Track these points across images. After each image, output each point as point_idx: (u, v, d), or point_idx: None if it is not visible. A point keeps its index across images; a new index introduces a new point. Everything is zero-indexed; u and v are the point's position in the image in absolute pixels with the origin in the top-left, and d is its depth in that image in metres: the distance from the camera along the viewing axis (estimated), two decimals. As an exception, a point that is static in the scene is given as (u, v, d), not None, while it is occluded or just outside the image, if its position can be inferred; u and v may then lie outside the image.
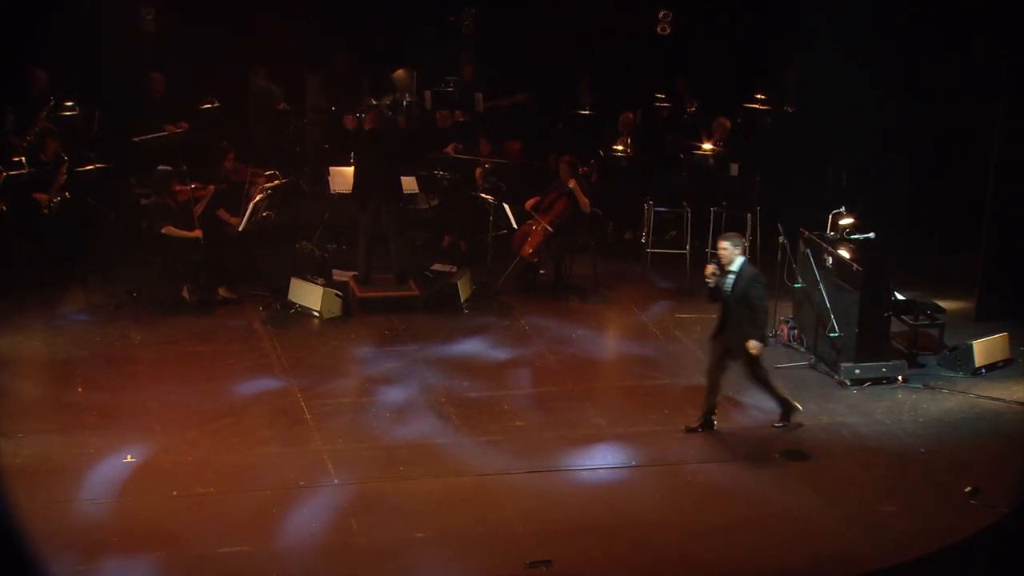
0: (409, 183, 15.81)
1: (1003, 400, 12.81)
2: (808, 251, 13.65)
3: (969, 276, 15.18)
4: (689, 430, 11.84)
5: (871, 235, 13.66)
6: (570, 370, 13.29)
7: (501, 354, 13.61)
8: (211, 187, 14.81)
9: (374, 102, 17.14)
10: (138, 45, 17.42)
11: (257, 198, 14.64)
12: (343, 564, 9.68)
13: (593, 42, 18.63)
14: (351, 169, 15.12)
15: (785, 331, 13.99)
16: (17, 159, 14.73)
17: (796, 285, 13.83)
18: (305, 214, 16.83)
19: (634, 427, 11.96)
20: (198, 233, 14.20)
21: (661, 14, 18.86)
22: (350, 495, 10.55)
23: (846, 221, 13.77)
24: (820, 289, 13.27)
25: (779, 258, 14.02)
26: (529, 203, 15.50)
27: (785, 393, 11.92)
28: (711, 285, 11.72)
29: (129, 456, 10.96)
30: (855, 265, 13.03)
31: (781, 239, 13.87)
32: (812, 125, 17.31)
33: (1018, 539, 8.59)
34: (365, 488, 10.70)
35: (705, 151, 17.08)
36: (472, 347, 13.75)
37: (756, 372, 11.76)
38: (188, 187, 14.50)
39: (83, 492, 10.38)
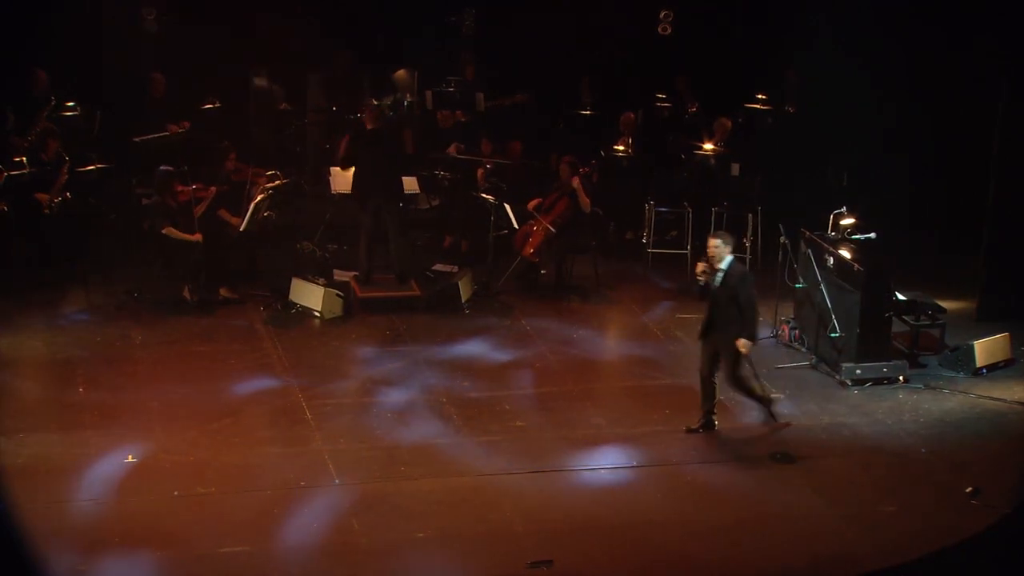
0: (410, 183, 15.82)
1: (1004, 400, 12.81)
2: (809, 251, 13.65)
3: (969, 276, 15.18)
4: (690, 430, 11.85)
5: (872, 235, 13.66)
6: (571, 370, 13.29)
7: (502, 354, 13.61)
8: (212, 188, 14.80)
9: (375, 102, 17.12)
10: (138, 45, 17.42)
11: (258, 198, 14.63)
12: (344, 564, 9.68)
13: (594, 42, 18.62)
14: (351, 170, 15.11)
15: (786, 331, 14.00)
16: (18, 159, 14.73)
17: (797, 285, 13.83)
18: (306, 214, 16.83)
19: (635, 427, 11.96)
20: (198, 237, 14.19)
21: (662, 14, 18.86)
22: (351, 495, 10.55)
23: (847, 221, 13.79)
24: (821, 289, 13.27)
25: (780, 258, 14.02)
26: (531, 204, 15.51)
27: (762, 392, 11.91)
28: (701, 283, 11.73)
29: (130, 456, 10.96)
30: (856, 265, 13.03)
31: (782, 239, 13.88)
32: (813, 125, 17.31)
33: (1019, 539, 8.59)
34: (366, 488, 10.70)
35: (706, 151, 17.07)
36: (473, 347, 13.75)
37: (736, 373, 11.73)
38: (189, 187, 14.49)
39: (84, 492, 10.38)
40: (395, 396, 12.48)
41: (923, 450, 11.76)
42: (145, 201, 15.05)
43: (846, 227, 13.73)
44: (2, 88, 15.60)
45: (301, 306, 14.35)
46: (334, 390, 12.58)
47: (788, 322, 14.08)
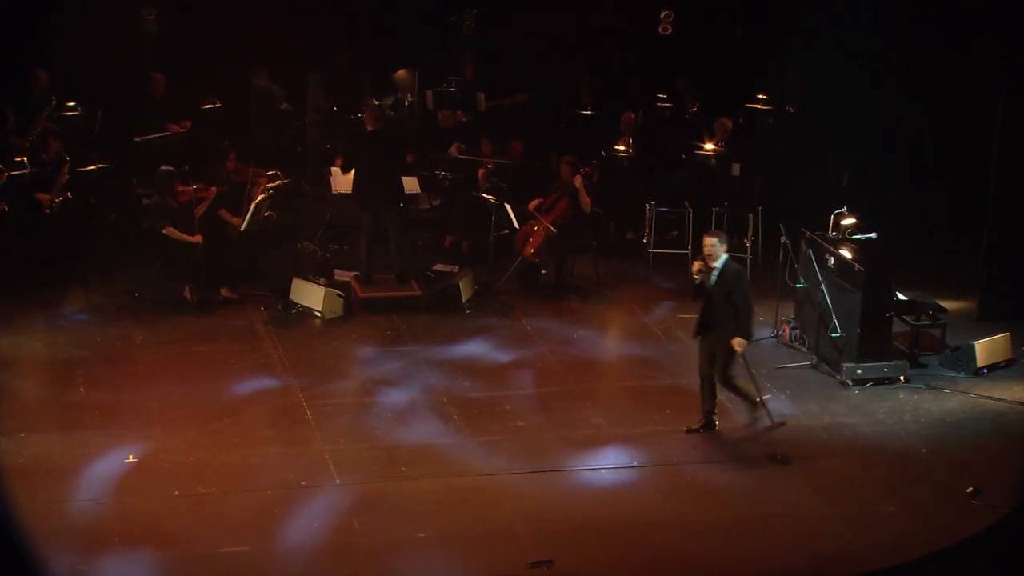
0: (411, 183, 15.81)
1: (1005, 400, 12.81)
2: (810, 251, 13.65)
3: (970, 276, 15.17)
4: (690, 430, 11.85)
5: (873, 235, 13.66)
6: (571, 370, 13.29)
7: (503, 354, 13.61)
8: (213, 188, 14.79)
9: (376, 102, 17.11)
10: (138, 45, 17.41)
11: (259, 198, 14.63)
12: (345, 564, 9.68)
13: (594, 42, 18.61)
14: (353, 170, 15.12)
15: (787, 331, 14.00)
16: (19, 159, 14.72)
17: (798, 285, 13.83)
18: (307, 214, 16.83)
19: (635, 427, 11.96)
20: (198, 238, 14.19)
21: (663, 14, 18.86)
22: (351, 495, 10.55)
23: (848, 221, 13.78)
24: (822, 289, 13.27)
25: (781, 258, 14.02)
26: (532, 204, 15.50)
27: (752, 393, 11.87)
28: (697, 281, 11.73)
29: (130, 456, 10.97)
30: (857, 265, 13.03)
31: (783, 239, 13.88)
32: (813, 125, 17.30)
33: (1019, 539, 8.58)
34: (367, 488, 10.70)
35: (707, 151, 17.07)
36: (474, 347, 13.75)
37: (727, 371, 11.72)
38: (190, 187, 14.49)
39: (84, 492, 10.38)
40: (396, 396, 12.48)
41: (924, 450, 11.76)
42: (146, 201, 15.06)
43: (847, 227, 13.73)
44: (3, 88, 15.60)
45: (302, 306, 14.35)
46: (334, 390, 12.58)
47: (789, 322, 14.08)
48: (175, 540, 9.79)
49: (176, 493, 10.45)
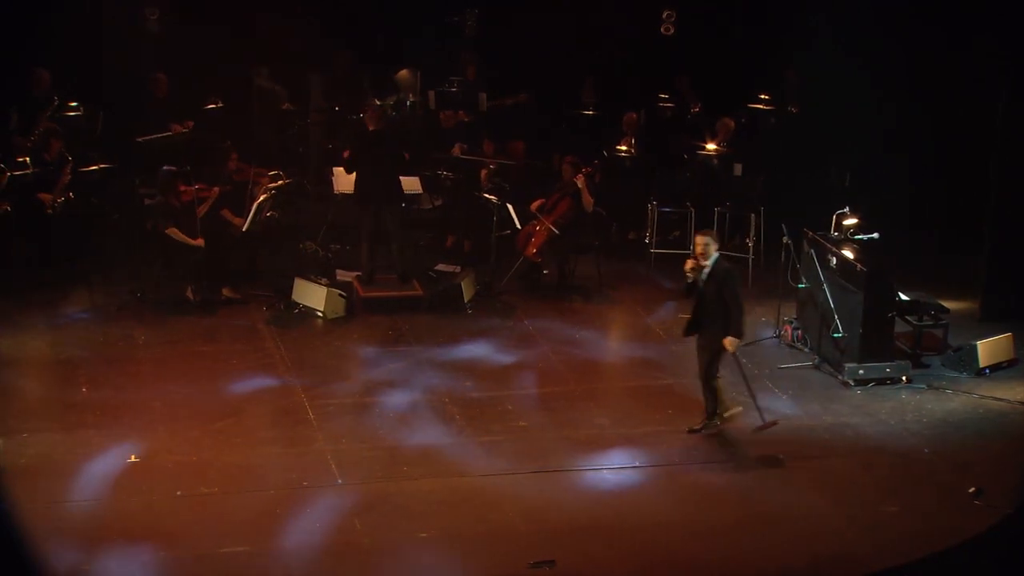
0: (412, 183, 15.81)
1: (1007, 400, 12.81)
2: (812, 251, 13.65)
3: (972, 276, 15.17)
4: (692, 431, 11.85)
5: (875, 235, 13.66)
6: (573, 370, 13.29)
7: (504, 354, 13.61)
8: (215, 189, 14.80)
9: (378, 102, 17.11)
10: (138, 45, 17.40)
11: (261, 198, 14.63)
12: (346, 564, 9.69)
13: (595, 42, 18.60)
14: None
15: (789, 331, 14.00)
16: (21, 159, 14.73)
17: (800, 285, 13.83)
18: (309, 214, 16.83)
19: (637, 428, 11.96)
20: (200, 242, 14.18)
21: (665, 14, 18.85)
22: (353, 495, 10.56)
23: (850, 221, 13.78)
24: (824, 289, 13.27)
25: (783, 258, 14.02)
26: (534, 205, 15.50)
27: (724, 405, 11.79)
28: (690, 280, 11.74)
29: (133, 456, 10.97)
30: (859, 265, 13.03)
31: (785, 239, 13.88)
32: (815, 125, 17.29)
33: (1021, 540, 8.58)
34: (368, 488, 10.70)
35: (709, 151, 17.06)
36: (475, 347, 13.75)
37: (711, 370, 11.72)
38: (192, 188, 14.50)
39: (86, 492, 10.39)
40: (397, 396, 12.48)
41: (926, 450, 11.76)
42: (148, 201, 15.06)
43: (849, 227, 13.73)
44: (5, 88, 15.61)
45: (304, 306, 14.35)
46: (336, 390, 12.58)
47: (791, 322, 14.08)
48: (177, 540, 9.79)
49: (178, 493, 10.46)
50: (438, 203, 17.14)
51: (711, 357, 11.71)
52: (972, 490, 10.77)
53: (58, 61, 16.10)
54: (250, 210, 14.54)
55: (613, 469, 11.21)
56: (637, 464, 11.32)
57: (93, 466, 10.76)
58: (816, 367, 13.42)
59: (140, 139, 16.34)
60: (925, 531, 10.22)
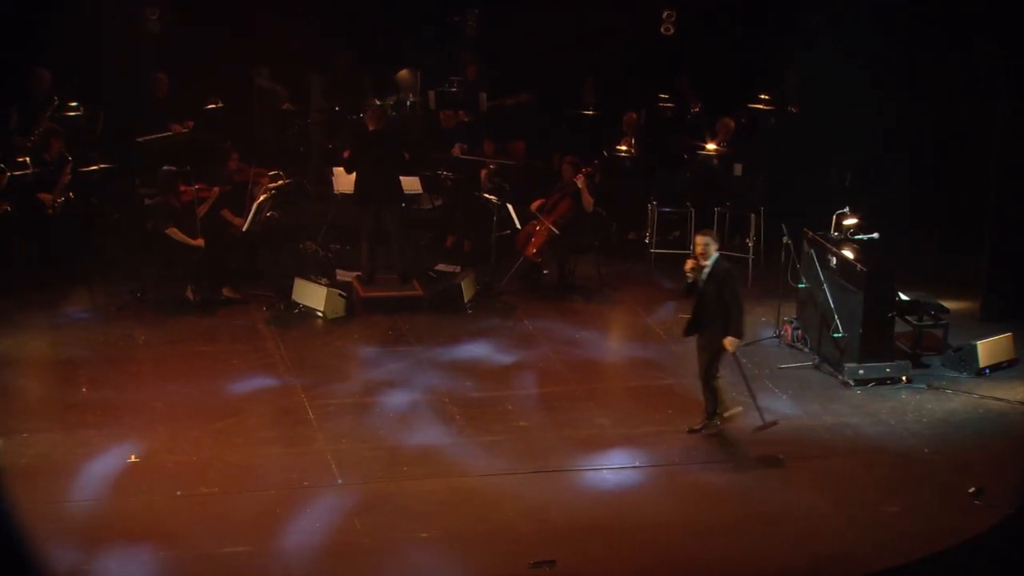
0: (412, 183, 15.81)
1: (1007, 400, 12.81)
2: (812, 251, 13.65)
3: (970, 276, 15.17)
4: (692, 431, 11.84)
5: (875, 235, 13.65)
6: (573, 370, 13.29)
7: (505, 354, 13.61)
8: (216, 189, 14.81)
9: (378, 102, 17.11)
10: (138, 45, 17.40)
11: (261, 198, 14.63)
12: (347, 564, 9.68)
13: (595, 42, 18.60)
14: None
15: (789, 331, 14.00)
16: (22, 159, 14.74)
17: (800, 285, 13.83)
18: (309, 214, 16.83)
19: (638, 428, 11.96)
20: (200, 242, 14.18)
21: (665, 14, 18.85)
22: (354, 495, 10.55)
23: (850, 221, 13.78)
24: (824, 289, 13.27)
25: (783, 258, 14.02)
26: (534, 205, 15.49)
27: (724, 405, 11.78)
28: (690, 280, 11.73)
29: (133, 456, 10.97)
30: (859, 265, 13.03)
31: (785, 239, 13.88)
32: (816, 125, 17.28)
33: (1022, 539, 8.58)
34: (369, 488, 10.70)
35: (709, 151, 17.06)
36: (476, 347, 13.75)
37: (710, 370, 11.71)
38: (192, 188, 14.50)
39: (86, 492, 10.39)
40: (398, 396, 12.47)
41: (926, 450, 11.76)
42: (148, 201, 15.05)
43: (849, 227, 13.73)
44: (5, 88, 15.61)
45: (304, 306, 14.35)
46: (336, 390, 12.58)
47: (791, 322, 14.08)
48: (177, 540, 9.79)
49: (178, 493, 10.46)
50: (438, 203, 17.14)
51: (711, 357, 11.72)
52: (972, 490, 10.77)
53: (58, 61, 16.10)
54: (250, 210, 14.54)
55: (613, 469, 11.21)
56: (637, 464, 11.32)
57: (93, 466, 10.76)
58: (816, 367, 13.42)
59: (140, 139, 16.35)
60: (925, 531, 10.21)
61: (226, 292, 14.54)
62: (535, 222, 15.37)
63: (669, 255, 16.34)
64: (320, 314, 14.25)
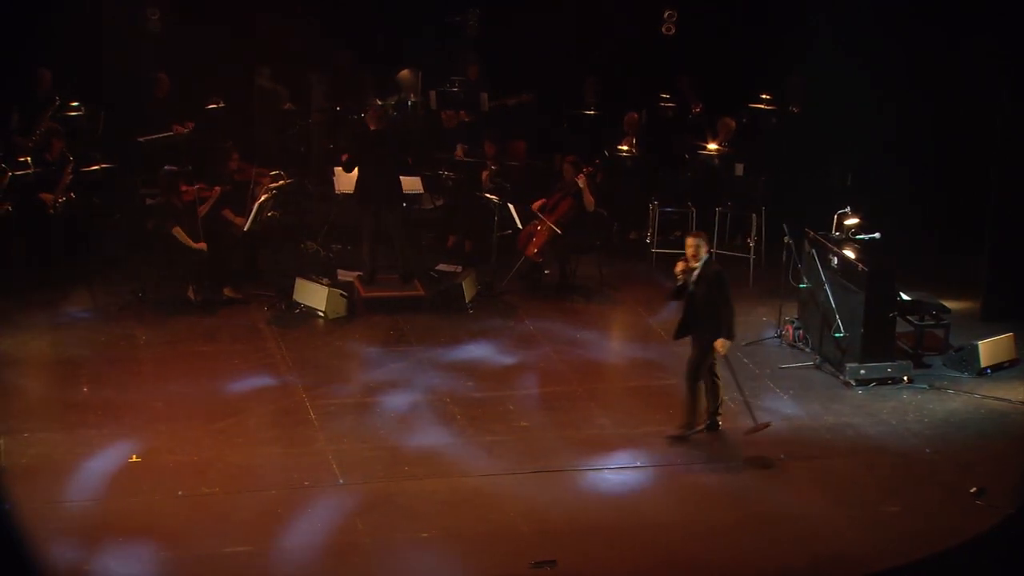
0: (413, 183, 15.81)
1: (1009, 400, 12.80)
2: (813, 251, 13.64)
3: (971, 276, 15.16)
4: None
5: (876, 235, 13.64)
6: (575, 370, 13.28)
7: (506, 354, 13.60)
8: (217, 188, 14.81)
9: (379, 102, 17.11)
10: (138, 45, 17.40)
11: (262, 198, 14.63)
12: (348, 564, 9.68)
13: (596, 42, 18.58)
14: (356, 170, 15.10)
15: (790, 331, 13.99)
16: (23, 159, 14.73)
17: (801, 285, 13.82)
18: (310, 214, 16.82)
19: (639, 428, 11.95)
20: (202, 246, 14.18)
21: (666, 14, 18.84)
22: (355, 495, 10.55)
23: (851, 221, 13.76)
24: (825, 289, 13.26)
25: (784, 258, 14.01)
26: (536, 205, 15.48)
27: (709, 407, 11.74)
28: (680, 283, 11.71)
29: (134, 456, 10.97)
30: (860, 265, 13.02)
31: (786, 239, 13.87)
32: (817, 125, 17.27)
33: (1022, 540, 8.58)
34: (370, 488, 10.70)
35: (710, 151, 17.05)
36: (477, 347, 13.74)
37: (697, 370, 11.67)
38: (194, 187, 14.50)
39: (87, 491, 10.38)
40: (399, 396, 12.47)
41: (927, 450, 11.75)
42: (149, 201, 15.05)
43: (850, 227, 13.71)
44: (6, 88, 15.61)
45: (305, 306, 14.35)
46: (338, 390, 12.58)
47: (792, 322, 14.07)
48: (178, 540, 9.79)
49: (179, 493, 10.46)
50: (439, 203, 17.14)
51: (700, 357, 11.65)
52: (974, 490, 10.76)
53: (59, 61, 16.12)
54: (251, 210, 14.53)
55: (614, 469, 11.20)
56: (638, 464, 11.31)
57: (94, 466, 10.77)
58: (817, 367, 13.41)
59: (141, 139, 16.36)
60: (926, 531, 10.21)
61: (227, 292, 14.54)
62: (536, 222, 15.36)
63: (670, 255, 16.24)
64: (321, 314, 14.25)
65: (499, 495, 10.65)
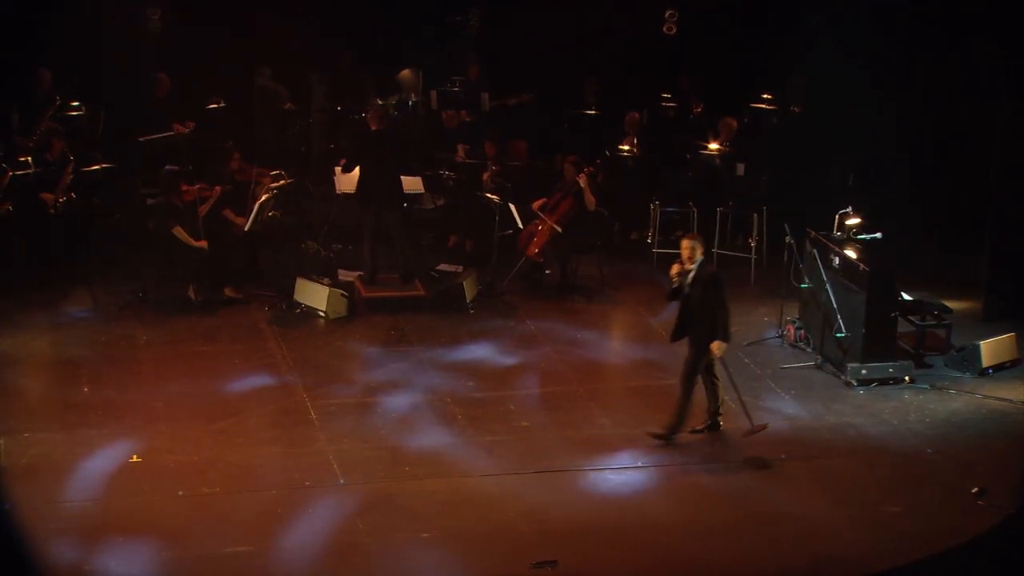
0: (414, 183, 15.80)
1: (1010, 401, 12.78)
2: (815, 251, 13.63)
3: (972, 276, 15.15)
4: (695, 431, 11.82)
5: (877, 235, 13.63)
6: (575, 371, 13.27)
7: (506, 354, 13.60)
8: (217, 188, 14.81)
9: (380, 102, 17.10)
10: (138, 45, 17.40)
11: (263, 198, 14.62)
12: (348, 564, 9.67)
13: (597, 42, 18.58)
14: (356, 170, 15.09)
15: (792, 331, 13.97)
16: (23, 159, 14.72)
17: (803, 285, 13.80)
18: (311, 214, 16.81)
19: (640, 428, 11.91)
20: (203, 244, 14.18)
21: (667, 13, 18.83)
22: (355, 495, 10.54)
23: (853, 221, 13.74)
24: (827, 289, 13.24)
25: (785, 258, 14.00)
26: (535, 204, 15.47)
27: (687, 414, 11.69)
28: (675, 285, 11.69)
29: (134, 456, 10.96)
30: (862, 265, 13.01)
31: (788, 239, 13.85)
32: (818, 125, 17.26)
33: (1022, 540, 8.56)
34: (370, 488, 10.69)
35: (711, 151, 17.03)
36: (478, 347, 13.73)
37: (692, 373, 11.62)
38: (194, 187, 14.50)
39: (87, 492, 10.37)
40: (399, 396, 12.46)
41: (929, 450, 11.74)
42: (150, 201, 15.05)
43: (851, 227, 13.70)
44: (6, 88, 15.61)
45: (305, 306, 14.34)
46: (338, 390, 12.57)
47: (794, 322, 14.05)
48: (178, 540, 9.78)
49: (180, 493, 10.45)
50: (440, 203, 17.14)
51: (695, 359, 11.62)
52: (976, 490, 10.75)
53: (59, 61, 16.11)
54: (252, 210, 14.52)
55: (615, 469, 11.19)
56: (639, 464, 11.30)
57: (94, 466, 10.76)
58: (819, 367, 13.39)
59: (142, 139, 16.36)
60: (927, 531, 10.20)
61: (228, 292, 14.53)
62: (537, 221, 15.35)
63: (671, 255, 16.18)
64: (322, 314, 14.24)
65: (500, 495, 10.64)
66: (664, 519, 10.46)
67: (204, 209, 14.53)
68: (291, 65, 18.21)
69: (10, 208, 14.42)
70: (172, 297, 14.33)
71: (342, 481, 10.76)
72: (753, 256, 15.90)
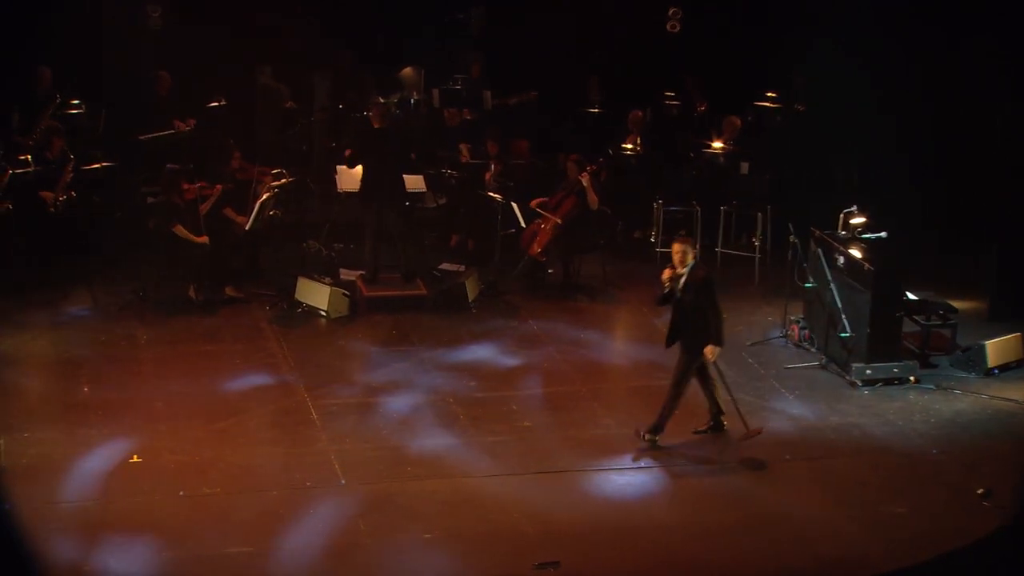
0: (416, 181, 15.76)
1: (1016, 401, 12.74)
2: (819, 250, 13.59)
3: (973, 276, 15.10)
4: (697, 432, 11.77)
5: (882, 234, 13.58)
6: (578, 371, 13.23)
7: (508, 354, 13.56)
8: (218, 187, 14.78)
9: (382, 100, 17.07)
10: (138, 44, 17.38)
11: (264, 197, 14.59)
12: (350, 565, 9.63)
13: (600, 40, 18.55)
14: (358, 168, 15.06)
15: (796, 331, 13.93)
16: (23, 157, 14.72)
17: (807, 285, 13.76)
18: (312, 213, 16.78)
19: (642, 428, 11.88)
20: (204, 239, 14.15)
21: (671, 11, 18.79)
22: (357, 496, 10.50)
23: (857, 220, 13.70)
24: (831, 288, 13.20)
25: (790, 257, 13.97)
26: (535, 202, 15.43)
27: (668, 419, 11.58)
28: (667, 289, 11.62)
29: (135, 456, 10.93)
30: (866, 264, 12.95)
31: (792, 238, 13.81)
32: (822, 124, 17.22)
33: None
34: (372, 489, 10.65)
35: (715, 150, 17.00)
36: (480, 347, 13.70)
37: (683, 378, 11.52)
38: (195, 186, 14.46)
39: (88, 491, 10.34)
40: (401, 396, 12.43)
41: (934, 451, 11.69)
42: (151, 199, 15.02)
43: (856, 226, 13.65)
44: (7, 87, 15.59)
45: (307, 305, 14.30)
46: (340, 390, 12.53)
47: (798, 322, 14.01)
48: (179, 540, 9.74)
49: (180, 493, 10.41)
50: (442, 201, 17.11)
51: (687, 364, 11.54)
52: (981, 491, 10.70)
53: (59, 59, 16.09)
54: (253, 209, 14.49)
55: (618, 470, 11.14)
56: (642, 465, 11.25)
57: (94, 466, 10.72)
58: (823, 367, 13.35)
59: (142, 137, 16.34)
60: (932, 532, 10.17)
61: (229, 291, 14.50)
62: (539, 220, 15.31)
63: (674, 254, 16.26)
64: (323, 313, 14.20)
65: (502, 496, 10.60)
66: (667, 520, 10.42)
67: (205, 208, 14.49)
68: (292, 64, 18.18)
69: (10, 207, 14.39)
70: (173, 296, 14.31)
71: (343, 481, 10.72)
72: (757, 255, 15.86)
